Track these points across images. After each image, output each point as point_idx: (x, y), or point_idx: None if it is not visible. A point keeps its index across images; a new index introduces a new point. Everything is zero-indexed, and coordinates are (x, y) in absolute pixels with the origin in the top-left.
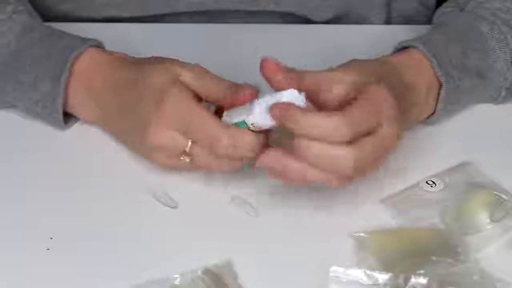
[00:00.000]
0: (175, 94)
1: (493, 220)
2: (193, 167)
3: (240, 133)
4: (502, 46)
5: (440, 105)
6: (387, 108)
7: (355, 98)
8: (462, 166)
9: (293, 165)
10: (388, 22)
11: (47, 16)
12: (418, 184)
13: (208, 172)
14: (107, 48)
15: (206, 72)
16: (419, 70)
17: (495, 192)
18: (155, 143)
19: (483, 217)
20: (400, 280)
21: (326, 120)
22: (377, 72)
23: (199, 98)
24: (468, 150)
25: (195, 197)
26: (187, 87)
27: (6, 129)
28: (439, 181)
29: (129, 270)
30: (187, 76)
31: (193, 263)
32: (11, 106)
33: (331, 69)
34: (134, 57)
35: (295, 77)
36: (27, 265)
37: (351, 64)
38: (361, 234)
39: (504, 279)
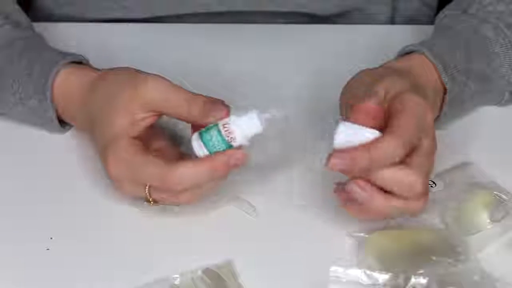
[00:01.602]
0: (115, 150)
1: (493, 220)
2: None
3: (185, 169)
4: (506, 50)
5: (444, 109)
6: (424, 120)
7: (394, 111)
8: (462, 166)
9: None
10: (392, 19)
11: (51, 18)
12: None
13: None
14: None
15: (172, 93)
16: (425, 73)
17: (495, 192)
18: (117, 192)
19: (483, 217)
20: (400, 280)
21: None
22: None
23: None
24: (468, 150)
25: None
26: (130, 136)
27: (5, 131)
28: (439, 181)
29: (129, 270)
30: (146, 111)
31: (193, 263)
32: (4, 115)
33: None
34: (109, 75)
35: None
36: (27, 265)
37: (360, 75)
38: (361, 234)
39: (504, 279)
